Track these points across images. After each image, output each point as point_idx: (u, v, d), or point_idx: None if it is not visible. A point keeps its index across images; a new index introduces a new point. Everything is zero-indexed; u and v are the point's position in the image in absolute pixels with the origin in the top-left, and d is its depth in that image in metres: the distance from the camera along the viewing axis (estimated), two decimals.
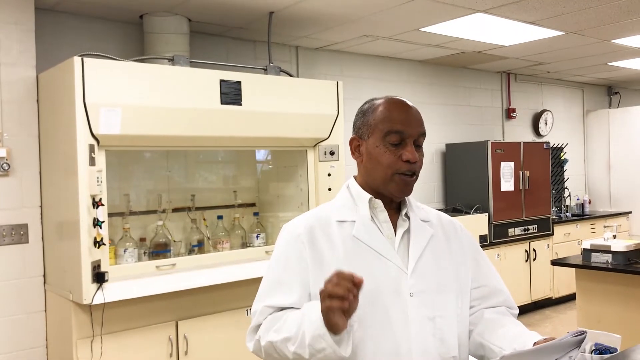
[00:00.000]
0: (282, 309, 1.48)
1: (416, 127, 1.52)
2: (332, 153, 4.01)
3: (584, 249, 4.08)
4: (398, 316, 1.45)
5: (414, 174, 1.51)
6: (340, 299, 1.24)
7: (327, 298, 1.26)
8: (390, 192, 1.51)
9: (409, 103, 1.55)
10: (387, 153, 1.49)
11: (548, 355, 1.28)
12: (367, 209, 1.53)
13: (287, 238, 1.55)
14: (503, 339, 1.48)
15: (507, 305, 1.64)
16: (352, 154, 1.59)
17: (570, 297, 6.51)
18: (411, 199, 1.59)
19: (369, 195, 1.54)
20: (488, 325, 1.56)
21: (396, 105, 1.53)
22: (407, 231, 1.54)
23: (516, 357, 1.24)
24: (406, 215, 1.56)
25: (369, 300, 1.43)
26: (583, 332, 1.28)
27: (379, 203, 1.53)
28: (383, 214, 1.53)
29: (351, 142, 1.58)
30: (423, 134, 1.54)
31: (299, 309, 1.48)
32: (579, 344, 1.29)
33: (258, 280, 1.57)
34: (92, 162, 3.10)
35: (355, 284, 1.25)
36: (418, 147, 1.53)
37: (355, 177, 1.61)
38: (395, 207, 1.57)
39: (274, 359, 1.45)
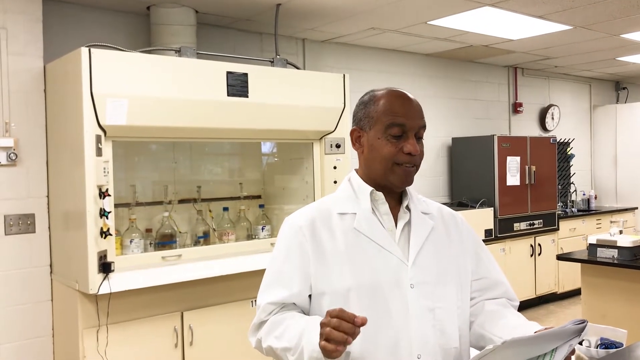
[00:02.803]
0: (284, 304, 1.50)
1: (417, 119, 1.52)
2: (338, 146, 4.01)
3: (590, 244, 4.07)
4: (398, 308, 1.46)
5: (414, 165, 1.51)
6: (336, 343, 1.25)
7: (324, 339, 1.26)
8: (390, 182, 1.52)
9: (410, 95, 1.55)
10: (389, 145, 1.50)
11: (549, 343, 1.29)
12: (369, 201, 1.54)
13: (289, 231, 1.56)
14: (504, 329, 1.49)
15: (507, 297, 1.65)
16: (353, 144, 1.60)
17: (575, 292, 6.49)
18: (412, 191, 1.60)
19: (370, 188, 1.54)
20: (489, 317, 1.56)
21: (398, 98, 1.54)
22: (408, 223, 1.55)
23: (517, 342, 1.25)
24: (407, 207, 1.57)
25: (369, 292, 1.44)
26: (584, 321, 1.29)
27: (380, 195, 1.54)
28: (384, 207, 1.54)
29: (352, 133, 1.59)
30: (424, 127, 1.54)
31: (300, 303, 1.50)
32: (579, 332, 1.29)
33: (263, 272, 1.58)
34: (98, 152, 3.11)
35: (356, 325, 1.25)
36: (419, 139, 1.53)
37: (356, 170, 1.62)
38: (396, 200, 1.57)
39: (275, 358, 1.49)
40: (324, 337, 1.26)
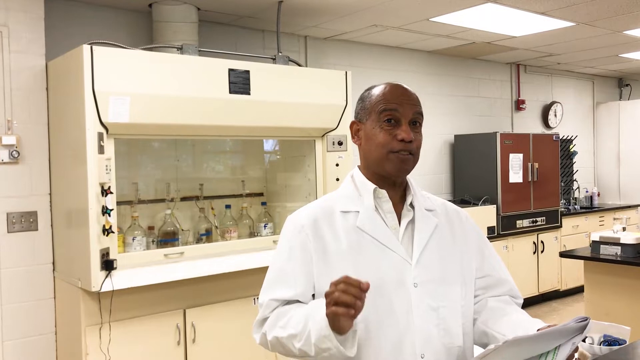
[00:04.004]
0: (287, 301, 1.49)
1: (411, 105, 1.51)
2: (340, 143, 4.00)
3: (593, 241, 4.06)
4: (402, 307, 1.45)
5: (410, 153, 1.50)
6: (346, 306, 1.24)
7: (333, 304, 1.26)
8: (387, 171, 1.51)
9: (405, 86, 1.56)
10: (382, 132, 1.49)
11: (551, 341, 1.28)
12: (372, 199, 1.53)
13: (291, 229, 1.55)
14: (506, 326, 1.48)
15: (511, 294, 1.64)
16: (352, 138, 1.61)
17: (578, 290, 6.50)
18: (416, 187, 1.59)
19: (374, 186, 1.54)
20: (492, 314, 1.56)
21: (391, 86, 1.54)
22: (412, 221, 1.54)
23: (519, 341, 1.24)
24: (411, 205, 1.55)
25: (373, 291, 1.42)
26: (586, 319, 1.28)
27: (383, 193, 1.53)
28: (387, 204, 1.53)
29: (351, 126, 1.60)
30: (419, 114, 1.53)
31: (304, 302, 1.49)
32: (582, 330, 1.28)
33: (265, 270, 1.58)
34: (101, 150, 3.11)
35: (362, 290, 1.25)
36: (416, 127, 1.52)
37: (359, 167, 1.61)
38: (399, 197, 1.56)
39: (281, 352, 1.47)
40: (333, 302, 1.25)
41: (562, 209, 6.78)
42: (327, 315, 1.28)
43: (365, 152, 1.55)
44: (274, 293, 1.50)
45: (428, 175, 6.07)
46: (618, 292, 3.91)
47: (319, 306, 1.33)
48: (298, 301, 1.49)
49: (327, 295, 1.28)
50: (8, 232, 3.40)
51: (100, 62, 3.07)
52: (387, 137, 1.49)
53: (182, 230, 3.86)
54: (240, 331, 3.58)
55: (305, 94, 3.83)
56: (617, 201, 7.85)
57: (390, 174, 1.52)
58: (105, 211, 3.09)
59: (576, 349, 1.32)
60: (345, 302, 1.24)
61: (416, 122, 1.52)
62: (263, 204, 4.31)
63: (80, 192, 3.12)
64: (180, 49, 3.71)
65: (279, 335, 1.43)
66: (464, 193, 6.18)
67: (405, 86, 1.56)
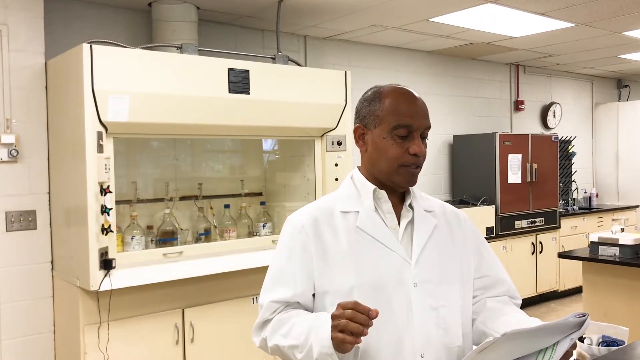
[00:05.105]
0: (287, 303, 1.49)
1: (423, 120, 1.51)
2: (339, 143, 4.01)
3: (591, 241, 4.07)
4: (401, 306, 1.46)
5: (418, 166, 1.51)
6: (352, 335, 1.25)
7: (339, 330, 1.26)
8: (395, 183, 1.52)
9: (416, 94, 1.54)
10: (394, 146, 1.49)
11: (549, 336, 1.29)
12: (371, 199, 1.53)
13: (291, 230, 1.55)
14: (505, 326, 1.48)
15: (509, 295, 1.65)
16: (356, 142, 1.58)
17: (576, 290, 6.50)
18: (415, 189, 1.60)
19: (373, 186, 1.54)
20: (490, 314, 1.56)
21: (404, 98, 1.52)
22: (411, 222, 1.54)
23: (518, 335, 1.24)
24: (410, 205, 1.56)
25: (373, 291, 1.44)
26: (585, 314, 1.28)
27: (382, 194, 1.53)
28: (387, 205, 1.53)
29: (355, 130, 1.57)
30: (428, 128, 1.54)
31: (304, 302, 1.49)
32: (580, 325, 1.29)
33: (264, 269, 1.58)
34: (100, 149, 3.11)
35: (370, 318, 1.26)
36: (423, 138, 1.53)
37: (359, 168, 1.61)
38: (399, 198, 1.57)
39: (281, 357, 1.49)
40: (339, 328, 1.26)
41: (561, 210, 6.79)
42: (333, 339, 1.28)
43: (372, 159, 1.54)
44: (273, 294, 1.50)
45: (427, 175, 6.07)
46: (616, 293, 3.92)
47: (323, 321, 1.34)
48: (298, 303, 1.50)
49: (333, 317, 1.28)
50: (7, 230, 3.40)
51: (99, 61, 3.07)
52: (399, 150, 1.48)
53: (181, 229, 3.86)
54: (239, 331, 3.58)
55: (305, 94, 3.82)
56: (616, 202, 7.86)
57: (398, 185, 1.53)
58: (104, 210, 3.09)
59: (574, 345, 1.32)
60: (353, 330, 1.25)
61: (424, 134, 1.53)
62: (262, 203, 4.31)
63: (79, 191, 3.12)
64: (180, 48, 3.71)
65: (280, 344, 1.44)
66: (463, 193, 6.18)
67: (415, 95, 1.54)
